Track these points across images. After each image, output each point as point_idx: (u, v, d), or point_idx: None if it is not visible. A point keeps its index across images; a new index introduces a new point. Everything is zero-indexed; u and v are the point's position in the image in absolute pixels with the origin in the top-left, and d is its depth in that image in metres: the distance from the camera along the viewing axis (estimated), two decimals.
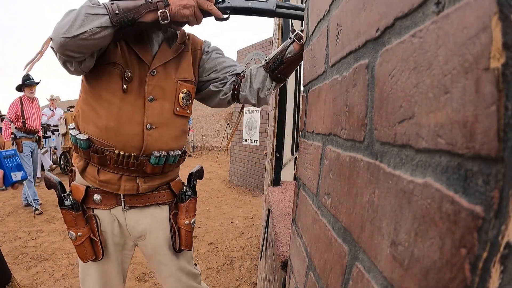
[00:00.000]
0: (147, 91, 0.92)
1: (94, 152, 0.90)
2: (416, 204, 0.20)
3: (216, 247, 2.75)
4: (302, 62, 0.77)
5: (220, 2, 0.92)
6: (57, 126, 5.99)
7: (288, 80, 1.54)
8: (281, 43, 1.52)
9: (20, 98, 3.70)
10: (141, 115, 0.91)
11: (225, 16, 0.92)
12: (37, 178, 5.51)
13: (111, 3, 0.79)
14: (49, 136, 6.11)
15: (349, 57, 0.34)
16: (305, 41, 0.61)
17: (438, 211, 0.18)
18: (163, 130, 0.95)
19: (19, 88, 3.74)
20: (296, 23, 1.79)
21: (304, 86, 0.60)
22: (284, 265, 0.80)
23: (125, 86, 0.89)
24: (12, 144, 3.61)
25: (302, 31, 0.90)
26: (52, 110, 6.09)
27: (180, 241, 1.04)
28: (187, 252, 1.09)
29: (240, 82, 1.03)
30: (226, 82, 1.05)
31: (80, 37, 0.75)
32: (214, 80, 1.06)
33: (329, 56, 0.42)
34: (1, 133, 3.77)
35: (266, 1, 0.93)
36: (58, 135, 6.10)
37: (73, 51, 0.78)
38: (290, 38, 0.94)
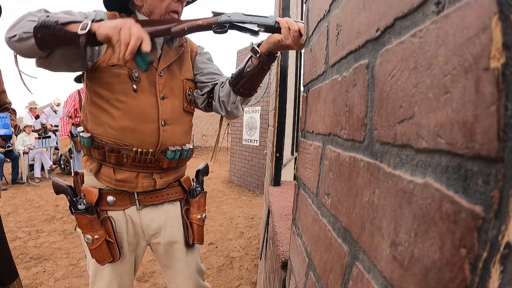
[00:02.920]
0: (158, 90, 0.96)
1: (110, 152, 0.92)
2: (416, 204, 0.20)
3: (216, 247, 2.75)
4: (302, 62, 0.77)
5: (219, 15, 0.91)
6: (57, 126, 5.98)
7: (288, 80, 1.53)
8: None
9: (78, 91, 3.33)
10: (156, 113, 0.94)
11: (222, 29, 0.90)
12: (37, 178, 5.51)
13: (53, 14, 0.78)
14: (49, 136, 6.11)
15: (349, 57, 0.34)
16: (305, 41, 0.61)
17: (438, 211, 0.18)
18: (176, 126, 0.99)
19: (78, 79, 3.47)
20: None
21: (304, 86, 0.60)
22: (284, 265, 0.80)
23: (135, 86, 0.92)
24: (70, 142, 3.31)
25: (259, 45, 0.92)
26: (54, 111, 6.09)
27: (193, 235, 1.09)
28: (196, 247, 1.15)
29: (213, 92, 1.07)
30: (206, 90, 1.08)
31: (12, 40, 0.76)
32: (197, 83, 1.10)
33: (329, 56, 0.42)
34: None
35: (266, 17, 0.90)
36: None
37: (15, 50, 0.79)
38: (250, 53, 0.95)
